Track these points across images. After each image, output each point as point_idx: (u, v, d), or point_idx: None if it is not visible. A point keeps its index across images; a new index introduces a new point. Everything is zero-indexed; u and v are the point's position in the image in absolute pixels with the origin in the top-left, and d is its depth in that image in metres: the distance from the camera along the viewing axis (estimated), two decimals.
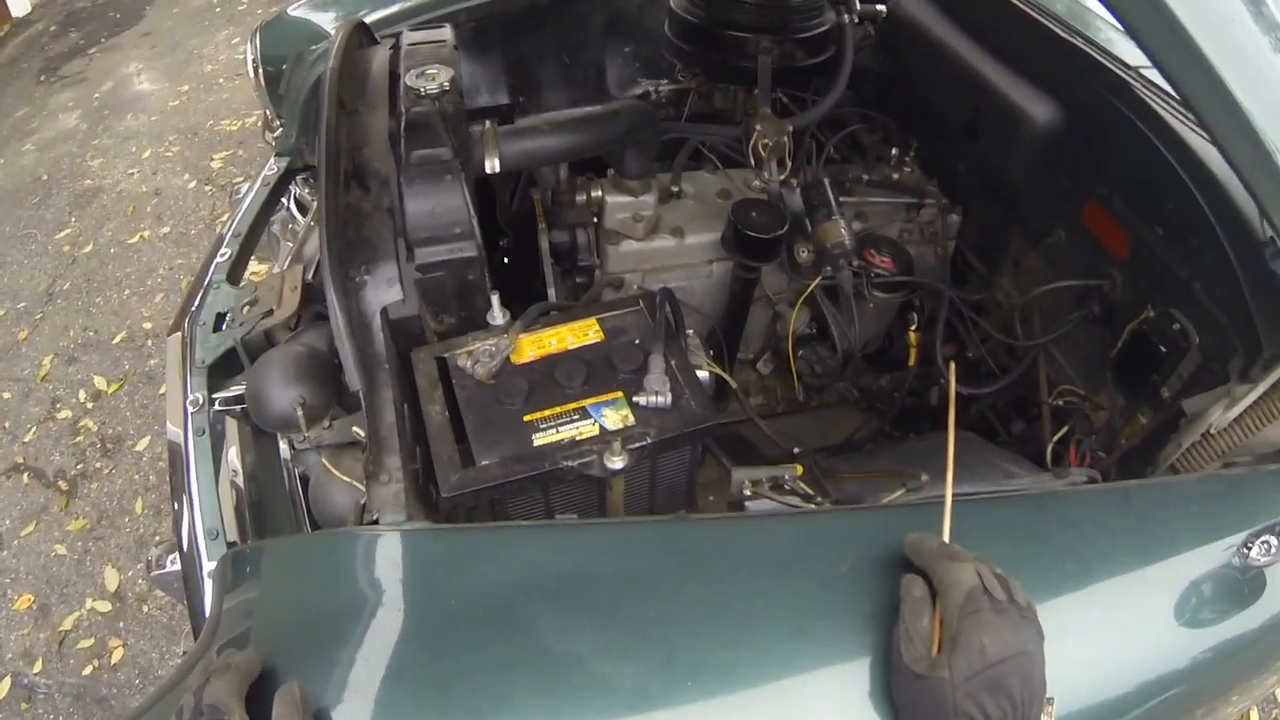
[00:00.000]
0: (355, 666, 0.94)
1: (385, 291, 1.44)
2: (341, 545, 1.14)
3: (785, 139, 1.90)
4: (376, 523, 1.21)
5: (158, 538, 3.16)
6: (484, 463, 1.29)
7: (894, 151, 2.21)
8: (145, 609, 2.97)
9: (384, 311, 1.44)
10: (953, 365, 1.41)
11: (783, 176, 1.92)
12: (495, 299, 1.48)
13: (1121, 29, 1.49)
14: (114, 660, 2.85)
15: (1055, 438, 1.81)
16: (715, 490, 1.73)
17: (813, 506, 1.38)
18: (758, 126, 1.91)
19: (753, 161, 1.92)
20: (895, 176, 2.18)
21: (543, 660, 0.94)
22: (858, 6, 2.21)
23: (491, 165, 1.59)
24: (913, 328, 2.09)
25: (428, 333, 1.52)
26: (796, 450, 1.86)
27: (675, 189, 2.03)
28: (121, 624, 2.95)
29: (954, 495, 1.02)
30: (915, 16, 2.20)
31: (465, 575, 1.05)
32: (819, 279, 1.89)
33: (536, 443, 1.31)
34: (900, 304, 2.11)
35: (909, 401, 2.18)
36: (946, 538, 0.99)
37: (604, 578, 1.05)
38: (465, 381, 1.39)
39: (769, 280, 2.01)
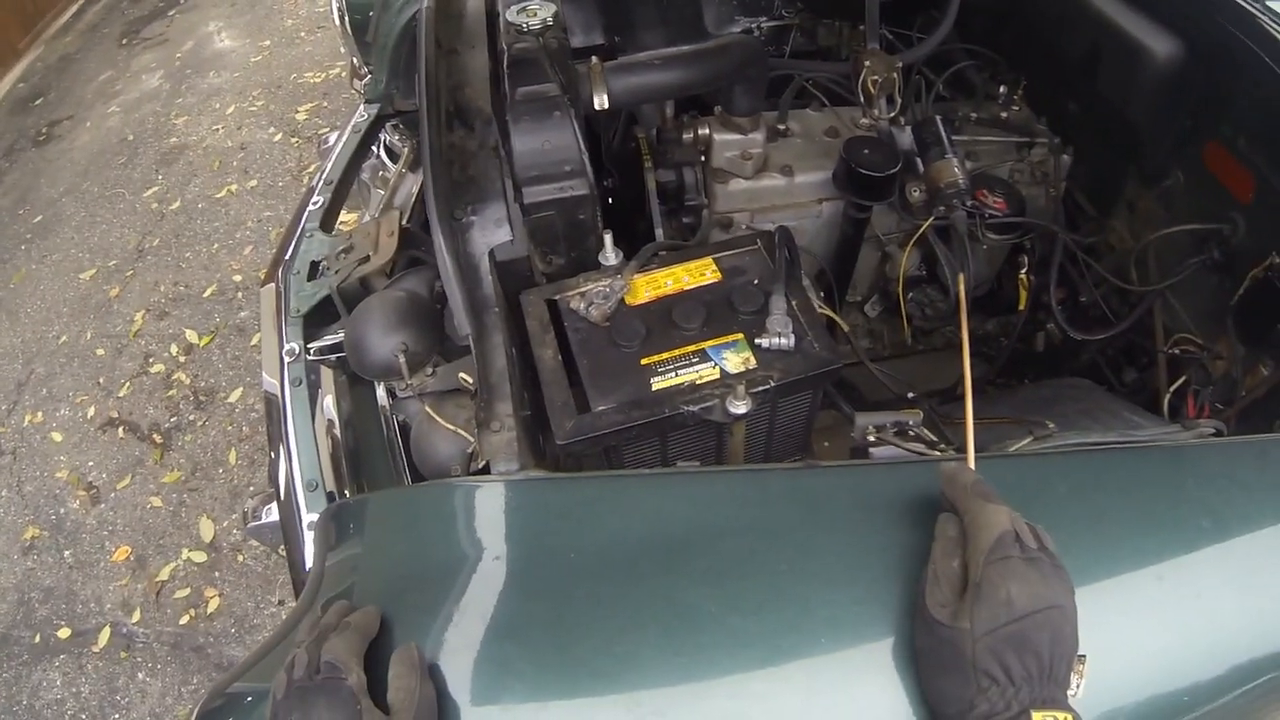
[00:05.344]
0: (468, 625, 0.90)
1: (493, 232, 1.39)
2: (452, 496, 1.09)
3: (895, 75, 1.83)
4: (486, 471, 1.18)
5: (252, 488, 3.20)
6: (600, 408, 1.25)
7: (1002, 89, 2.11)
8: (240, 559, 3.02)
9: (491, 253, 1.39)
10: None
11: (892, 114, 1.84)
12: (608, 239, 1.43)
13: None
14: (210, 609, 2.90)
15: (1173, 388, 1.73)
16: (829, 435, 1.67)
17: (937, 454, 1.32)
18: (866, 63, 1.83)
19: (862, 99, 1.84)
20: (1004, 115, 2.09)
21: (670, 615, 0.88)
22: None
23: (600, 101, 1.52)
24: (1024, 271, 2.00)
25: (535, 274, 1.47)
26: (910, 395, 1.80)
27: (782, 127, 1.95)
28: (217, 574, 3.00)
29: (1085, 444, 0.96)
30: None
31: (586, 527, 1.00)
32: (932, 219, 1.82)
33: (655, 387, 1.27)
34: (1011, 246, 2.02)
35: (1016, 347, 2.09)
36: (971, 464, 0.91)
37: (733, 529, 0.99)
38: (578, 324, 1.35)
39: (879, 220, 1.93)
